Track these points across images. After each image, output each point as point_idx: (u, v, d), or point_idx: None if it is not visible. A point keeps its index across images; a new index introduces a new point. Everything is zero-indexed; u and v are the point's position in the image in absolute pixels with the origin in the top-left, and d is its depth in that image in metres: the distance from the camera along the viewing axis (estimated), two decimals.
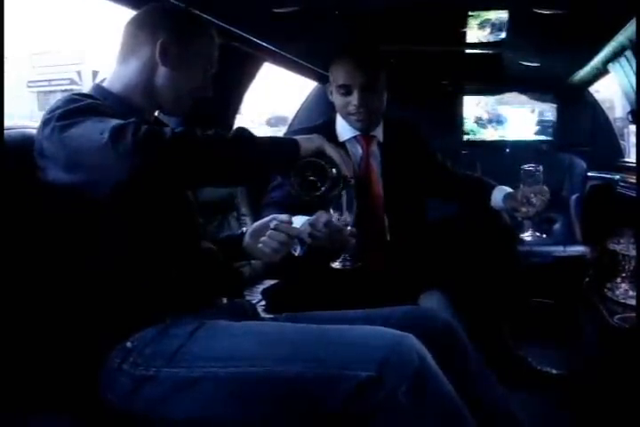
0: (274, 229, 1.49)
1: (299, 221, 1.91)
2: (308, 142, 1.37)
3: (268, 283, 2.26)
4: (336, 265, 1.59)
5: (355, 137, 2.22)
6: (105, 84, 1.47)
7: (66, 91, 19.84)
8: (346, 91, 2.12)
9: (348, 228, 1.52)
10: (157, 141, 1.20)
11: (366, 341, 1.25)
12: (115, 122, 1.21)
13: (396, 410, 1.18)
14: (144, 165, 1.19)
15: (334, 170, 1.38)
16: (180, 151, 1.21)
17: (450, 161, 2.39)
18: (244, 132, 1.31)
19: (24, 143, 1.35)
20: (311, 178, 1.39)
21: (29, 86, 20.69)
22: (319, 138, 1.40)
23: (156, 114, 1.57)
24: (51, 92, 20.54)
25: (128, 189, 1.24)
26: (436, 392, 1.23)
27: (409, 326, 1.39)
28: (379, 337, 1.26)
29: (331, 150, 1.38)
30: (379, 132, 2.25)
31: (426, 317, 1.56)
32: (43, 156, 1.30)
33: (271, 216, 1.56)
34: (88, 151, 1.21)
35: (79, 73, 19.88)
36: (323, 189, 1.40)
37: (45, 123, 1.29)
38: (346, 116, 2.18)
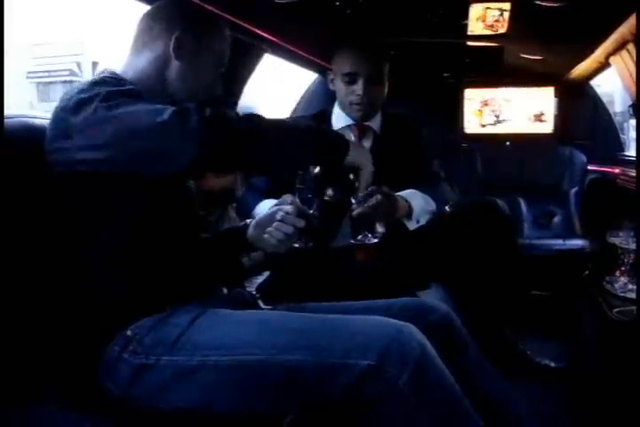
0: (280, 220, 1.51)
1: (268, 204, 1.93)
2: (356, 155, 1.44)
3: (267, 274, 2.26)
4: (296, 245, 1.62)
5: (348, 126, 2.22)
6: (119, 72, 1.47)
7: (65, 82, 19.85)
8: (351, 79, 2.11)
9: (310, 211, 1.55)
10: (225, 121, 1.24)
11: (367, 330, 1.25)
12: (169, 106, 1.24)
13: (396, 399, 1.18)
14: (212, 144, 1.22)
15: (356, 183, 1.50)
16: (248, 133, 1.26)
17: (439, 161, 2.34)
18: (301, 122, 1.35)
19: (24, 132, 1.35)
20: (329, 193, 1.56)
21: (29, 77, 20.66)
22: (366, 154, 1.49)
23: None
24: (50, 83, 20.53)
25: (190, 170, 1.29)
26: (436, 381, 1.23)
27: (409, 317, 1.39)
28: (380, 326, 1.27)
29: (367, 169, 1.47)
30: (374, 123, 2.24)
31: (425, 308, 1.56)
32: (68, 136, 1.28)
33: (277, 207, 1.56)
34: (145, 130, 1.23)
35: (79, 64, 19.87)
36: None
37: (81, 103, 1.28)
38: (346, 105, 2.17)
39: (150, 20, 1.48)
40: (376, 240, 1.81)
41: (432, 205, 2.05)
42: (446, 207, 2.15)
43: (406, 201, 1.98)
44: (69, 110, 1.29)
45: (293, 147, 1.34)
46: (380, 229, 1.84)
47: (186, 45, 1.45)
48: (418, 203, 2.00)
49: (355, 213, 1.80)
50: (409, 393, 1.19)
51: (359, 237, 1.82)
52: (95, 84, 1.34)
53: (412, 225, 1.99)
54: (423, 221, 2.01)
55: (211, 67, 1.51)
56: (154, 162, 1.26)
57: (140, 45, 1.48)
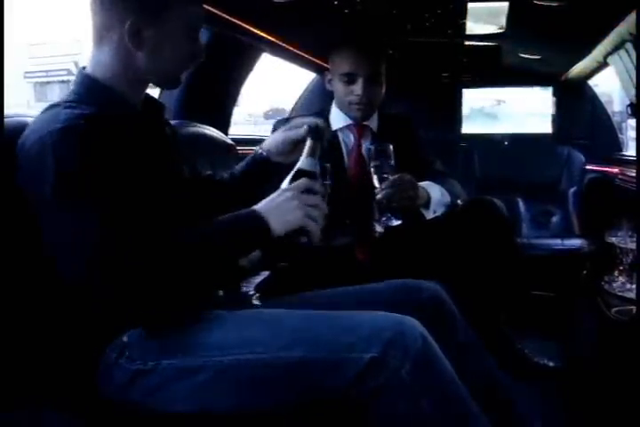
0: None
1: None
2: (282, 223, 1.26)
3: (265, 274, 2.26)
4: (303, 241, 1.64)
5: (347, 126, 2.22)
6: (89, 72, 1.35)
7: (63, 82, 19.84)
8: (349, 79, 2.12)
9: None
10: (147, 282, 1.18)
11: (369, 324, 1.25)
12: (111, 245, 1.17)
13: (399, 389, 1.18)
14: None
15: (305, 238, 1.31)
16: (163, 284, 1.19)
17: (439, 160, 2.35)
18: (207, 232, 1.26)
19: (21, 132, 1.33)
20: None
21: (27, 77, 20.65)
22: (295, 212, 1.26)
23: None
24: (47, 82, 20.52)
25: None
26: (437, 372, 1.23)
27: (399, 300, 1.40)
28: (381, 320, 1.26)
29: (311, 225, 1.28)
30: (372, 123, 2.25)
31: (414, 289, 1.57)
32: (29, 166, 1.24)
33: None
34: (78, 251, 1.19)
35: (76, 64, 19.83)
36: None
37: (46, 151, 1.19)
38: (345, 105, 2.18)
39: (100, 5, 1.30)
40: (399, 222, 1.86)
41: (447, 197, 2.08)
42: (459, 201, 2.17)
43: (425, 191, 2.00)
44: (43, 135, 1.21)
45: (227, 256, 1.27)
46: (394, 222, 1.87)
47: (144, 31, 1.28)
48: (435, 193, 2.04)
49: (379, 195, 1.83)
50: (411, 383, 1.18)
51: (383, 219, 1.85)
52: (68, 132, 1.20)
53: (429, 214, 2.01)
54: (439, 213, 2.04)
55: (183, 41, 1.34)
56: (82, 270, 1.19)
57: (99, 38, 1.32)
